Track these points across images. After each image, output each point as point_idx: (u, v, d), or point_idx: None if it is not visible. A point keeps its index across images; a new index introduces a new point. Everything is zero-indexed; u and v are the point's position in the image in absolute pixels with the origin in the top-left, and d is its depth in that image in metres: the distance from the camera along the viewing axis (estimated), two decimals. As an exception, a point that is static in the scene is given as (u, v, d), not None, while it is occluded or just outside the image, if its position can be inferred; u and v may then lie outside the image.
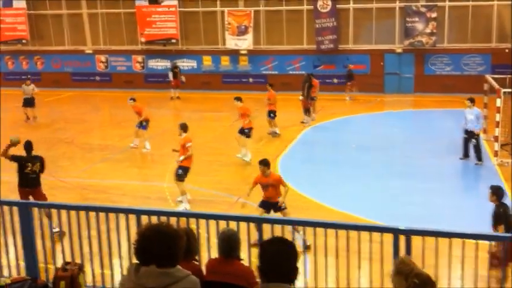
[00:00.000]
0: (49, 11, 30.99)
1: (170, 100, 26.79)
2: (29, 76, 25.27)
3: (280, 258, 3.19)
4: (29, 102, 22.20)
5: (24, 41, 31.42)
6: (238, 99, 16.79)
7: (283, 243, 3.34)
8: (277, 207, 10.46)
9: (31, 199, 10.37)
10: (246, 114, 16.60)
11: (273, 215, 10.27)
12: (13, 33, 31.30)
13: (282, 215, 10.34)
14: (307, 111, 21.15)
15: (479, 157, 15.27)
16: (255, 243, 5.48)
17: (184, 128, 12.84)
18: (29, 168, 10.76)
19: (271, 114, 18.97)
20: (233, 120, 18.40)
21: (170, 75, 27.38)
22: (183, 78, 27.45)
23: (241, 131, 16.42)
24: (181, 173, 12.61)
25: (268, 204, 10.53)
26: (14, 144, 10.84)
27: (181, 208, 12.14)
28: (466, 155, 15.56)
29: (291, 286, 3.17)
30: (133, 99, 17.90)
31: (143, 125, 17.47)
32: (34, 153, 11.11)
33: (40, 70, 31.67)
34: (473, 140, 15.27)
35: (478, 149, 15.29)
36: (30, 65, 31.98)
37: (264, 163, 10.57)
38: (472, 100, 15.62)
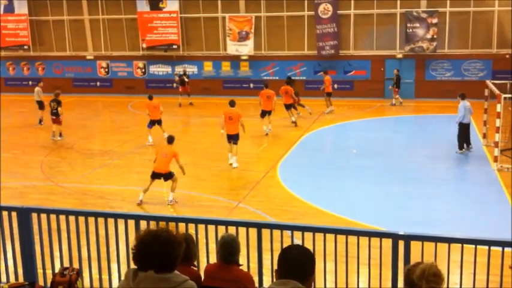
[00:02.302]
0: (50, 17, 31.10)
1: (179, 107, 26.25)
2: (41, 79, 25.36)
3: (297, 262, 3.30)
4: (42, 105, 22.61)
5: (25, 47, 31.52)
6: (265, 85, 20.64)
7: (302, 249, 3.49)
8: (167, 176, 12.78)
9: None
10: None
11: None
12: (14, 39, 31.44)
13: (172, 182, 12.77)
14: (288, 107, 21.48)
15: (459, 145, 16.65)
16: None
17: None
18: None
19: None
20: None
21: (178, 81, 27.02)
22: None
23: None
24: None
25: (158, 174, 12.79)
26: None
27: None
28: (463, 146, 16.72)
29: (303, 286, 3.22)
30: (149, 97, 19.53)
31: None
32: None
33: (41, 76, 31.71)
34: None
35: (458, 137, 16.58)
36: (31, 70, 32.09)
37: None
38: (459, 95, 16.74)
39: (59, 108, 19.44)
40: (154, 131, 18.89)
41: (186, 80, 26.93)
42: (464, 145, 16.75)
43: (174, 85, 27.54)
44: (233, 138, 15.74)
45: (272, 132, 20.09)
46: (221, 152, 17.49)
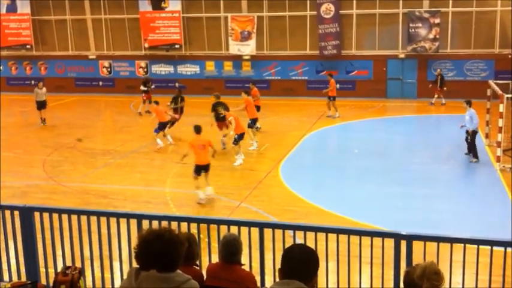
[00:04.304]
0: (53, 17, 31.11)
1: (139, 116, 24.26)
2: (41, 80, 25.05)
3: (299, 261, 3.29)
4: (42, 105, 22.46)
5: (28, 46, 31.54)
6: (246, 92, 18.72)
7: (305, 248, 3.48)
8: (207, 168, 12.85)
9: None
10: (246, 106, 18.36)
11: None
12: (17, 38, 31.45)
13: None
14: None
15: (473, 154, 15.83)
16: None
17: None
18: None
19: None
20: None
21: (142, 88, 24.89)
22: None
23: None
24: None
25: (201, 167, 12.76)
26: None
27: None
28: (469, 151, 16.19)
29: (306, 286, 3.21)
30: (156, 102, 19.55)
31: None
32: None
33: (44, 75, 31.73)
34: (468, 138, 15.90)
35: (471, 146, 15.87)
36: (33, 70, 32.10)
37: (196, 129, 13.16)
38: (467, 102, 16.19)
39: (170, 112, 19.55)
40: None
41: (142, 88, 24.74)
42: (466, 152, 16.20)
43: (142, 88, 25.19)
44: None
45: (274, 132, 20.07)
46: (223, 152, 17.51)
